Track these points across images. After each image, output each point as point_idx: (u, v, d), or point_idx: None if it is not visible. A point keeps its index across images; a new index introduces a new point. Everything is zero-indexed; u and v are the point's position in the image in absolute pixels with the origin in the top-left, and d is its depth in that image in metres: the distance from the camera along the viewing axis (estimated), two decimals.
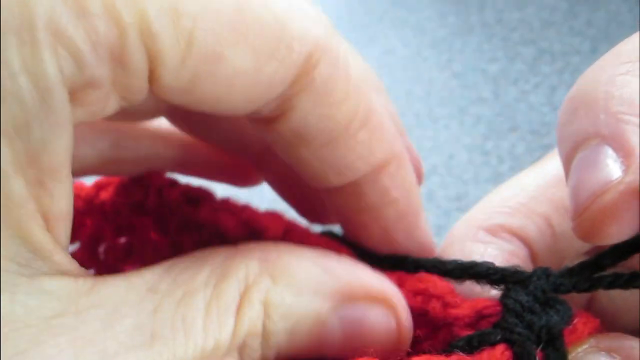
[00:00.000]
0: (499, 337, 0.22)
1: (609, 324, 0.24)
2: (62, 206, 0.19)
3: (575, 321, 0.22)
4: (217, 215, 0.26)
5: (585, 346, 0.23)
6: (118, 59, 0.18)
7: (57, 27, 0.17)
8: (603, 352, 0.22)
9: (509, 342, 0.22)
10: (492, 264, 0.23)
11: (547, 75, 1.01)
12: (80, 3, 0.17)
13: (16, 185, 0.17)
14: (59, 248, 0.19)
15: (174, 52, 0.18)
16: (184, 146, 0.30)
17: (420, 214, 0.25)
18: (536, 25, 1.12)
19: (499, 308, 0.23)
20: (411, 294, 0.25)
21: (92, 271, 0.19)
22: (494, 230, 0.26)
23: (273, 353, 0.21)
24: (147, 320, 0.19)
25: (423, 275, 0.25)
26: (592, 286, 0.23)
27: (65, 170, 0.18)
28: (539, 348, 0.22)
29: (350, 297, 0.22)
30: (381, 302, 0.22)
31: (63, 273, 0.19)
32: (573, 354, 0.22)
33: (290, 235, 0.25)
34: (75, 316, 0.18)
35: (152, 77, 0.18)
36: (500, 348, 0.22)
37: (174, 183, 0.28)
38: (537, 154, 0.89)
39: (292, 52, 0.19)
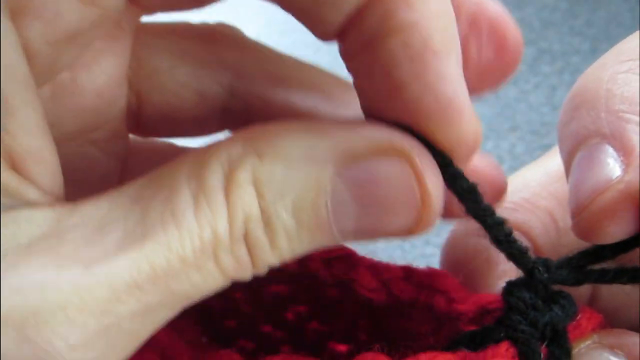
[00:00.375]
0: (502, 334, 0.22)
1: (612, 320, 0.24)
2: (27, 142, 0.18)
3: (579, 317, 0.22)
4: None
5: (588, 342, 0.22)
6: None
7: None
8: (606, 349, 0.22)
9: (513, 340, 0.22)
10: (527, 247, 0.23)
11: (547, 75, 1.01)
12: None
13: None
14: (29, 185, 0.18)
15: None
16: None
17: (448, 56, 0.19)
18: (536, 25, 1.12)
19: (502, 304, 0.23)
20: (417, 289, 0.24)
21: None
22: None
23: (284, 240, 0.19)
24: (136, 226, 0.18)
25: (432, 270, 0.25)
26: (592, 278, 0.23)
27: (31, 106, 0.17)
28: (544, 345, 0.22)
29: (353, 156, 0.19)
30: (391, 153, 0.19)
31: (34, 205, 0.18)
32: (576, 350, 0.22)
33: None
34: (56, 237, 0.18)
35: None
36: (504, 345, 0.22)
37: None
38: (537, 154, 0.88)
39: None
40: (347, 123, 0.20)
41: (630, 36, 0.24)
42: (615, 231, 0.21)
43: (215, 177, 0.18)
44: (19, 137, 0.17)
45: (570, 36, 1.08)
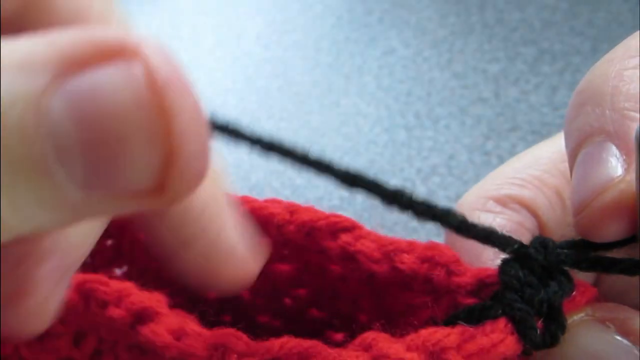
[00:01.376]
0: (499, 311, 0.22)
1: (617, 301, 0.24)
2: None
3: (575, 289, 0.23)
4: None
5: (581, 314, 0.22)
6: None
7: None
8: (597, 323, 0.22)
9: (510, 316, 0.22)
10: (493, 228, 0.23)
11: (548, 76, 1.01)
12: None
13: None
14: None
15: None
16: None
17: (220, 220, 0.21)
18: (537, 25, 1.12)
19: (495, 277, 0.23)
20: (419, 261, 0.25)
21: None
22: (504, 201, 0.26)
23: None
24: None
25: (433, 243, 0.25)
26: (591, 266, 0.23)
27: None
28: (540, 320, 0.22)
29: (77, 64, 0.13)
30: (120, 55, 0.13)
31: None
32: (568, 321, 0.22)
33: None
34: None
35: None
36: (502, 321, 0.22)
37: None
38: None
39: None
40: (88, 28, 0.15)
41: (638, 31, 0.24)
42: (615, 230, 0.21)
43: None
44: None
45: (571, 36, 1.08)
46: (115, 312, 0.24)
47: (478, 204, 0.25)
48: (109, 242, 0.32)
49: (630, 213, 0.21)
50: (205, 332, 0.22)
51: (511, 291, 0.22)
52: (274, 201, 0.29)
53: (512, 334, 0.22)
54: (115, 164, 0.13)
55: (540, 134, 0.91)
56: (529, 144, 1.04)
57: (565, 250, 0.23)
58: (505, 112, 0.95)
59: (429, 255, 0.25)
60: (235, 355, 0.22)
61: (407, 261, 0.25)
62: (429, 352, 0.21)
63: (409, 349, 0.21)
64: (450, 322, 0.23)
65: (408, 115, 1.01)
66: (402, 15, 1.21)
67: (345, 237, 0.27)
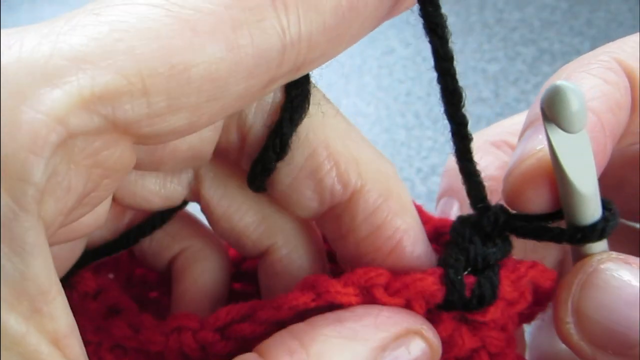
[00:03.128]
0: (440, 261, 0.24)
1: None
2: (65, 322, 0.18)
3: (519, 262, 0.24)
4: None
5: (603, 256, 0.23)
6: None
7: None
8: (622, 260, 0.23)
9: (444, 264, 0.24)
10: (482, 184, 0.25)
11: (548, 75, 1.01)
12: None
13: (12, 322, 0.17)
14: None
15: None
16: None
17: (412, 240, 0.25)
18: (536, 25, 1.12)
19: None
20: None
21: None
22: (498, 144, 0.29)
23: None
24: None
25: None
26: (526, 233, 0.24)
27: (55, 287, 0.18)
28: (470, 273, 0.24)
29: (383, 348, 0.23)
30: (412, 334, 0.23)
31: None
32: (594, 259, 0.23)
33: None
34: None
35: None
36: (436, 271, 0.24)
37: None
38: None
39: None
40: (367, 314, 0.23)
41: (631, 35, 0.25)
42: (535, 198, 0.23)
43: None
44: (56, 316, 0.18)
45: (571, 36, 1.08)
46: (92, 305, 0.26)
47: (479, 145, 0.28)
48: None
49: (549, 182, 0.22)
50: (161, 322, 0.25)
51: (453, 244, 0.24)
52: None
53: (438, 277, 0.23)
54: None
55: None
56: None
57: (508, 218, 0.25)
58: (505, 112, 0.95)
59: None
60: (190, 332, 0.24)
61: None
62: (361, 287, 0.24)
63: (345, 285, 0.23)
64: None
65: (408, 115, 1.01)
66: (402, 15, 1.21)
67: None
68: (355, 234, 0.24)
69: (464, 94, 0.23)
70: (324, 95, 0.24)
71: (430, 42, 0.23)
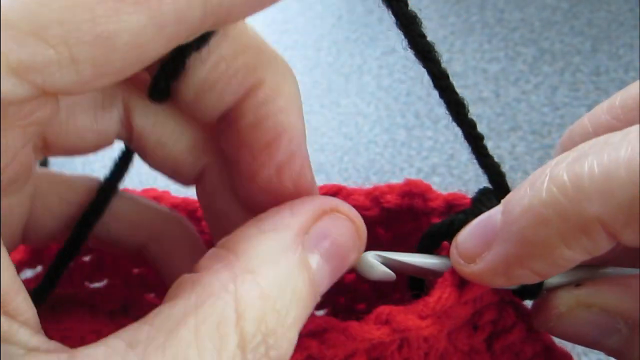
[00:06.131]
0: (469, 218, 0.25)
1: None
2: (5, 282, 0.19)
3: None
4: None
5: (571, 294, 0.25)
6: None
7: None
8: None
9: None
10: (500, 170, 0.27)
11: (548, 75, 1.01)
12: None
13: None
14: (21, 327, 0.19)
15: None
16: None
17: (306, 160, 0.25)
18: (537, 25, 1.12)
19: (466, 200, 0.28)
20: (400, 197, 0.31)
21: (56, 343, 0.20)
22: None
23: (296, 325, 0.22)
24: None
25: (409, 180, 0.31)
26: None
27: (14, 288, 0.19)
28: None
29: (305, 228, 0.23)
30: (334, 212, 0.24)
31: (34, 350, 0.19)
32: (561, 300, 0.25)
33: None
34: None
35: None
36: None
37: None
38: (537, 154, 0.89)
39: None
40: (283, 208, 0.24)
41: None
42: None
43: (217, 313, 0.19)
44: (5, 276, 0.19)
45: (571, 36, 1.07)
46: None
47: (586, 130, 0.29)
48: (87, 258, 0.33)
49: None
50: None
51: (479, 204, 0.26)
52: None
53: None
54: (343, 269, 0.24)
55: (540, 134, 0.91)
56: (529, 144, 1.04)
57: None
58: (505, 112, 0.95)
59: (407, 190, 0.30)
60: None
61: (391, 199, 0.31)
62: (438, 316, 0.24)
63: (421, 317, 0.24)
64: (425, 241, 0.26)
65: (408, 115, 1.01)
66: None
67: (339, 197, 0.31)
68: (242, 126, 0.24)
69: (465, 102, 0.26)
70: None
71: (424, 67, 0.25)
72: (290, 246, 0.22)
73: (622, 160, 0.19)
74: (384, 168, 0.91)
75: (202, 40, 0.22)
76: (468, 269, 0.23)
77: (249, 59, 0.24)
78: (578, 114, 0.93)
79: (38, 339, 0.19)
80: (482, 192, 0.27)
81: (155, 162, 0.27)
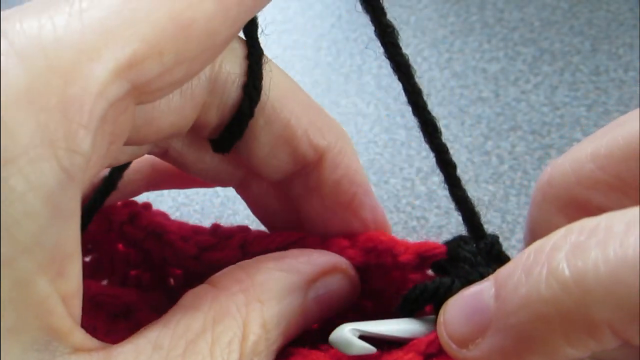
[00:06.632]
0: (456, 283, 0.24)
1: None
2: (76, 283, 0.20)
3: None
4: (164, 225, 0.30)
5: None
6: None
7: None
8: None
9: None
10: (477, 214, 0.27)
11: (548, 75, 1.01)
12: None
13: (41, 285, 0.18)
14: (76, 327, 0.20)
15: None
16: (152, 165, 0.34)
17: (366, 193, 0.30)
18: (537, 25, 1.12)
19: (440, 249, 0.27)
20: (364, 253, 0.29)
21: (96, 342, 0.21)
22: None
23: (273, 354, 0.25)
24: None
25: (370, 234, 0.29)
26: None
27: (77, 249, 0.20)
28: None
29: (314, 280, 0.27)
30: (336, 271, 0.28)
31: (79, 350, 0.20)
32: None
33: (247, 246, 0.29)
34: None
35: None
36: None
37: (134, 216, 0.30)
38: (537, 154, 0.89)
39: None
40: (302, 254, 0.28)
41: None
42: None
43: (230, 332, 0.23)
44: (71, 278, 0.19)
45: (571, 36, 1.08)
46: None
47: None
48: (88, 258, 0.33)
49: None
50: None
51: (462, 261, 0.25)
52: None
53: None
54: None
55: (540, 134, 0.91)
56: (529, 144, 1.04)
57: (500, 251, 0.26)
58: (505, 112, 0.95)
59: (371, 247, 0.29)
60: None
61: (355, 256, 0.29)
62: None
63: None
64: (405, 306, 0.26)
65: (408, 115, 1.00)
66: (402, 15, 1.21)
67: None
68: (322, 187, 0.29)
69: (438, 124, 0.27)
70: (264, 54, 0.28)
71: (399, 79, 0.26)
72: (298, 290, 0.26)
73: (631, 260, 0.18)
74: (384, 168, 0.91)
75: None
76: (461, 355, 0.22)
77: (314, 120, 0.28)
78: (578, 113, 0.93)
79: (84, 337, 0.20)
80: (458, 244, 0.26)
81: (193, 173, 0.30)
